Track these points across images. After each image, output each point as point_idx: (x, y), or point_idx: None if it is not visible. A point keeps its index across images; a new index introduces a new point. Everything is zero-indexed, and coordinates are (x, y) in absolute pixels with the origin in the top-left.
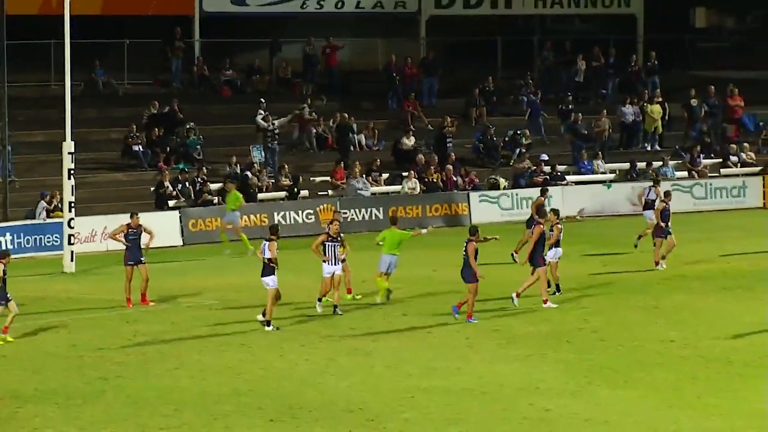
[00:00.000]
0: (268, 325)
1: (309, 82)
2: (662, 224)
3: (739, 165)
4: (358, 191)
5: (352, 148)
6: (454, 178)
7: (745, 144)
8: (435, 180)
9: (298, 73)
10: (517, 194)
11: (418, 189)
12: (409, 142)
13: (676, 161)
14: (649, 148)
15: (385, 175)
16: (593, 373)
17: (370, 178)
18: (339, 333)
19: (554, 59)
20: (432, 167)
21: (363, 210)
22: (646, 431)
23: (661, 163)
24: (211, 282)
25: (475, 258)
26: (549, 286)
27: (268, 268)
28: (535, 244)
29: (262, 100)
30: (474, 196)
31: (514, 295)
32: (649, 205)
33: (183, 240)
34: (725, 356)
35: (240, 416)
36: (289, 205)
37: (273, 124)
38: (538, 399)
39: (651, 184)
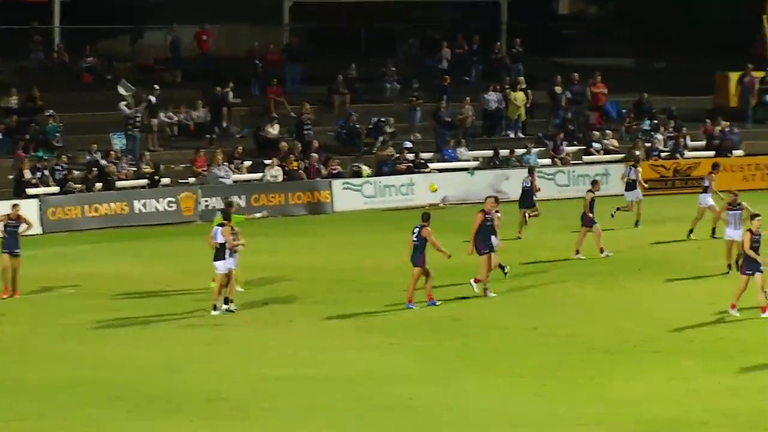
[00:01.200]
0: (215, 309)
1: (174, 69)
2: (589, 214)
3: (602, 152)
4: (220, 179)
5: (215, 136)
6: (317, 166)
7: (608, 131)
8: (296, 168)
9: (161, 60)
10: (380, 182)
11: (281, 177)
12: (273, 129)
13: (539, 148)
14: (512, 136)
15: (247, 163)
16: (457, 361)
17: (232, 165)
18: (199, 322)
19: (419, 47)
20: (293, 155)
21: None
22: (514, 420)
23: (524, 150)
24: (71, 271)
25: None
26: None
27: (220, 253)
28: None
29: (125, 82)
30: (337, 183)
31: (472, 281)
32: (630, 185)
33: (42, 228)
34: (588, 343)
35: (97, 407)
36: (150, 193)
37: (135, 109)
38: (402, 387)
39: (631, 163)
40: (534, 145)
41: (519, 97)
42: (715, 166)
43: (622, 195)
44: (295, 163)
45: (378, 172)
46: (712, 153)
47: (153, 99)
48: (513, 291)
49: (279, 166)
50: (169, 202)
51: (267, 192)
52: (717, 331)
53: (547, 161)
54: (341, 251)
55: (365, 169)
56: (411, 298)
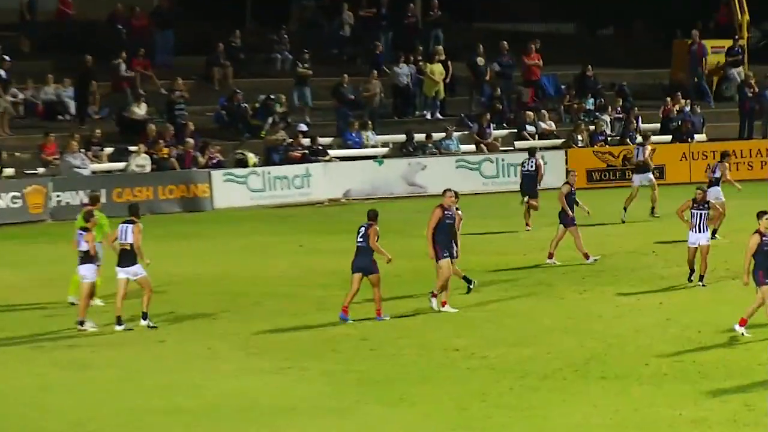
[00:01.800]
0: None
1: (27, 38)
2: (569, 212)
3: (536, 136)
4: (75, 169)
5: (70, 117)
6: (193, 154)
7: (544, 111)
8: (167, 156)
9: (10, 26)
10: (269, 173)
11: (149, 167)
12: (139, 110)
13: (461, 132)
14: (429, 117)
15: (108, 150)
16: (363, 388)
17: (90, 153)
18: (54, 343)
19: (315, 10)
20: (164, 140)
21: (82, 192)
22: None
23: (443, 134)
24: None
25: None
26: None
27: (88, 256)
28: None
29: None
30: (217, 175)
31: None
32: (640, 167)
33: None
34: (522, 366)
35: None
36: None
37: None
38: (298, 419)
39: (641, 142)
40: (455, 128)
41: (436, 70)
42: (724, 155)
43: (559, 188)
44: (166, 150)
45: (267, 161)
46: (668, 138)
47: (2, 73)
48: (436, 306)
49: (147, 153)
50: (14, 197)
51: (132, 185)
52: (676, 352)
53: (471, 147)
54: (224, 257)
55: (251, 157)
56: (347, 308)
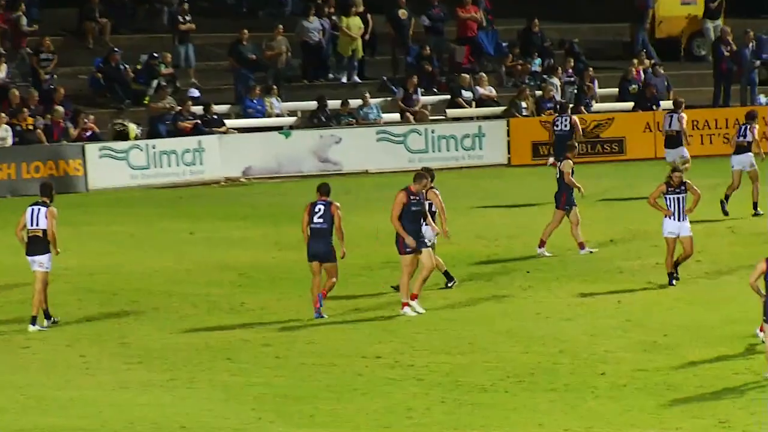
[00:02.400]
0: (47, 318)
1: None
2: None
3: (474, 104)
4: None
5: None
6: (63, 125)
7: (483, 74)
8: (32, 127)
9: None
10: (154, 147)
11: (11, 139)
12: None
13: (383, 98)
14: (345, 80)
15: None
16: (266, 405)
17: None
18: None
19: None
20: (28, 108)
21: None
22: None
23: (361, 101)
24: None
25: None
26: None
27: (42, 243)
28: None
29: None
30: (92, 149)
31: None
32: (673, 139)
33: None
34: (454, 377)
35: None
36: None
37: None
38: None
39: (672, 108)
40: (376, 93)
41: (354, 24)
42: (751, 116)
43: (503, 165)
44: (30, 120)
45: (152, 133)
46: (629, 105)
47: None
48: (353, 305)
49: (8, 124)
50: None
51: None
52: (637, 360)
53: (395, 117)
54: (99, 248)
55: (133, 129)
56: (318, 303)
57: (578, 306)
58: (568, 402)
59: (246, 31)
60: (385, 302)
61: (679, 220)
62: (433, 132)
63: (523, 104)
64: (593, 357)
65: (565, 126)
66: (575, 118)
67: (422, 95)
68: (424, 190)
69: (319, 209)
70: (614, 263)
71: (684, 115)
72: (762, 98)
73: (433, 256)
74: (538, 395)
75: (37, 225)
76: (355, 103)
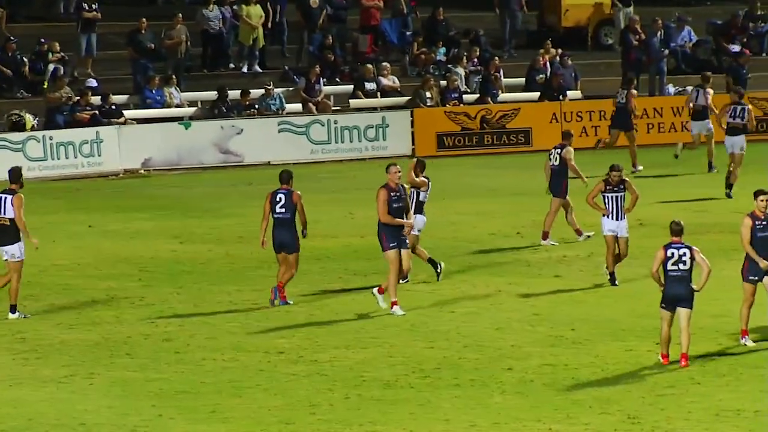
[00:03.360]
0: (13, 312)
1: None
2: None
3: (378, 94)
4: None
5: None
6: None
7: (386, 63)
8: None
9: None
10: (51, 138)
11: None
12: None
13: (285, 88)
14: (245, 70)
15: None
16: (166, 401)
17: None
18: None
19: None
20: None
21: None
22: None
23: (263, 91)
24: None
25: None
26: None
27: (11, 232)
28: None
29: None
30: None
31: (375, 290)
32: (699, 113)
33: None
34: (357, 374)
35: None
36: None
37: None
38: None
39: (700, 84)
40: (271, 84)
41: (254, 12)
42: (741, 94)
43: (405, 156)
44: None
45: (49, 124)
46: (536, 95)
47: None
48: (253, 299)
49: None
50: None
51: None
52: (544, 355)
53: (297, 107)
54: None
55: (29, 119)
56: (283, 292)
57: (484, 300)
58: (474, 397)
59: (145, 20)
60: (288, 297)
61: (617, 219)
62: (335, 123)
63: (428, 94)
64: (499, 352)
65: (621, 99)
66: (633, 90)
67: (325, 85)
68: (400, 184)
69: (280, 198)
70: (521, 256)
71: (710, 90)
72: (671, 88)
73: (410, 257)
74: (444, 391)
75: (4, 214)
76: (256, 93)
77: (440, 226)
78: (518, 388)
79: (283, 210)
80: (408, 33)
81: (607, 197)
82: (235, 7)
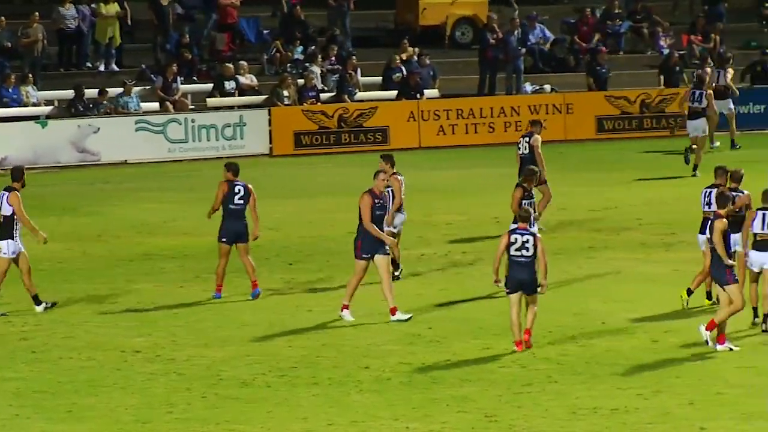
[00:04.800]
0: None
1: None
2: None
3: (236, 93)
4: None
5: None
6: None
7: (243, 62)
8: None
9: None
10: None
11: None
12: None
13: (142, 87)
14: (102, 69)
15: None
16: (22, 400)
17: None
18: None
19: None
20: None
21: None
22: None
23: (121, 89)
24: None
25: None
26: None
27: (6, 229)
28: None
29: None
30: None
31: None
32: (720, 93)
33: None
34: (215, 373)
35: None
36: None
37: None
38: None
39: (720, 65)
40: (134, 82)
41: (111, 10)
42: (701, 79)
43: (265, 155)
44: None
45: None
46: (393, 93)
47: None
48: (117, 304)
49: None
50: None
51: None
52: (402, 353)
53: (154, 106)
54: None
55: None
56: (220, 285)
57: (342, 298)
58: (331, 396)
59: (3, 18)
60: (146, 296)
61: (530, 226)
62: (193, 121)
63: (285, 93)
64: (357, 350)
65: (699, 100)
66: (730, 71)
67: (182, 84)
68: (386, 189)
69: (239, 190)
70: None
71: (731, 70)
72: (528, 86)
73: (390, 263)
74: (302, 389)
75: (0, 211)
76: (113, 91)
77: (298, 225)
78: (376, 386)
79: (242, 201)
80: (266, 31)
81: (524, 204)
82: (93, 5)
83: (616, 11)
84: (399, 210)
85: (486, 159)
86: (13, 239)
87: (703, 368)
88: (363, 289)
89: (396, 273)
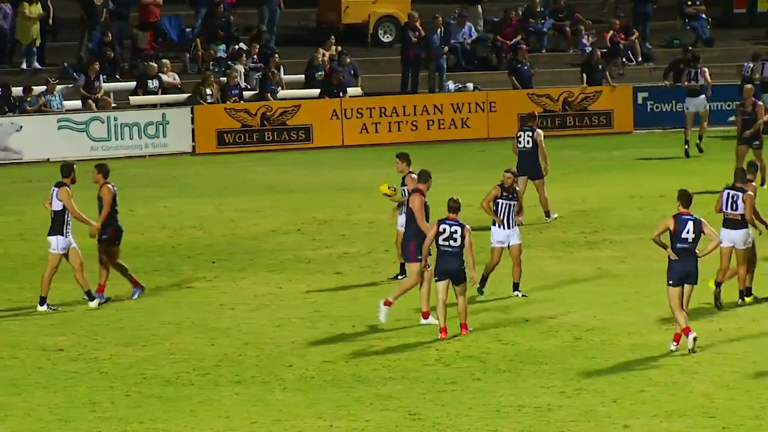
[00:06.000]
0: (42, 304)
1: None
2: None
3: (159, 91)
4: None
5: None
6: None
7: (166, 60)
8: None
9: None
10: None
11: None
12: None
13: (66, 85)
14: (25, 67)
15: None
16: None
17: None
18: None
19: None
20: None
21: None
22: None
23: (45, 87)
24: None
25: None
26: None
27: (57, 224)
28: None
29: None
30: None
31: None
32: (696, 91)
33: None
34: (138, 372)
35: None
36: None
37: None
38: None
39: (693, 65)
40: (57, 80)
41: (34, 10)
42: (695, 58)
43: (188, 153)
44: None
45: None
46: (316, 92)
47: None
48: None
49: None
50: None
51: None
52: (325, 352)
53: (77, 104)
54: None
55: None
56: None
57: (265, 297)
58: (255, 395)
59: None
60: (68, 295)
61: (508, 228)
62: (116, 120)
63: (208, 91)
64: (280, 349)
65: (696, 78)
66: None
67: (105, 82)
68: (402, 188)
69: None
70: (301, 253)
71: (707, 70)
72: (450, 85)
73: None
74: (225, 387)
75: (51, 206)
76: (38, 89)
77: (220, 223)
78: (299, 384)
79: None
80: (188, 30)
81: (500, 203)
82: (16, 5)
83: (538, 9)
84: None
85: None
86: (63, 235)
87: (626, 366)
88: (282, 290)
89: (400, 277)
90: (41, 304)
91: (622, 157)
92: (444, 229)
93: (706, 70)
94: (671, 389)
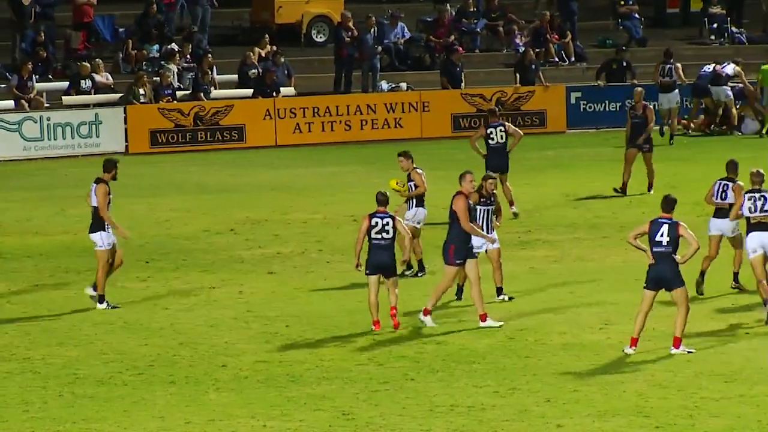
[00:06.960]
0: (101, 302)
1: None
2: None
3: (92, 91)
4: None
5: None
6: None
7: (99, 60)
8: None
9: None
10: None
11: None
12: None
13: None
14: None
15: None
16: None
17: None
18: None
19: None
20: None
21: None
22: None
23: None
24: None
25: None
26: (410, 267)
27: (98, 221)
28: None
29: None
30: None
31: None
32: (668, 86)
33: None
34: (70, 372)
35: None
36: None
37: None
38: None
39: (663, 60)
40: None
41: None
42: (669, 54)
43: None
44: None
45: None
46: (249, 92)
47: None
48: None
49: None
50: None
51: None
52: (259, 352)
53: (10, 104)
54: None
55: None
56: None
57: (198, 296)
58: (188, 395)
59: None
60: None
61: (487, 233)
62: (48, 120)
63: (141, 91)
64: (214, 349)
65: (670, 74)
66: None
67: (37, 82)
68: (409, 184)
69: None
70: (235, 252)
71: (679, 65)
72: (384, 84)
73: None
74: (158, 388)
75: (91, 202)
76: None
77: (152, 223)
78: (232, 384)
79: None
80: (121, 30)
81: (480, 210)
82: None
83: (471, 9)
84: (421, 205)
85: (342, 157)
86: (105, 231)
87: (560, 366)
88: (215, 290)
89: (420, 274)
90: (100, 302)
91: (555, 157)
92: (376, 223)
93: (679, 66)
94: (604, 389)
